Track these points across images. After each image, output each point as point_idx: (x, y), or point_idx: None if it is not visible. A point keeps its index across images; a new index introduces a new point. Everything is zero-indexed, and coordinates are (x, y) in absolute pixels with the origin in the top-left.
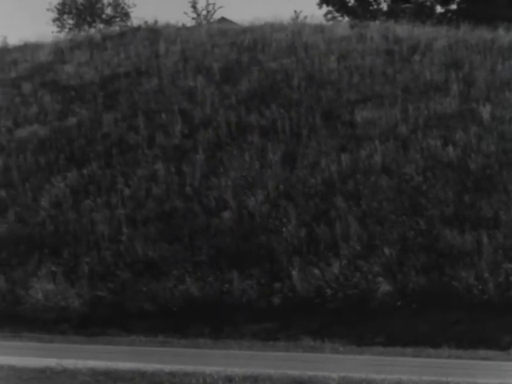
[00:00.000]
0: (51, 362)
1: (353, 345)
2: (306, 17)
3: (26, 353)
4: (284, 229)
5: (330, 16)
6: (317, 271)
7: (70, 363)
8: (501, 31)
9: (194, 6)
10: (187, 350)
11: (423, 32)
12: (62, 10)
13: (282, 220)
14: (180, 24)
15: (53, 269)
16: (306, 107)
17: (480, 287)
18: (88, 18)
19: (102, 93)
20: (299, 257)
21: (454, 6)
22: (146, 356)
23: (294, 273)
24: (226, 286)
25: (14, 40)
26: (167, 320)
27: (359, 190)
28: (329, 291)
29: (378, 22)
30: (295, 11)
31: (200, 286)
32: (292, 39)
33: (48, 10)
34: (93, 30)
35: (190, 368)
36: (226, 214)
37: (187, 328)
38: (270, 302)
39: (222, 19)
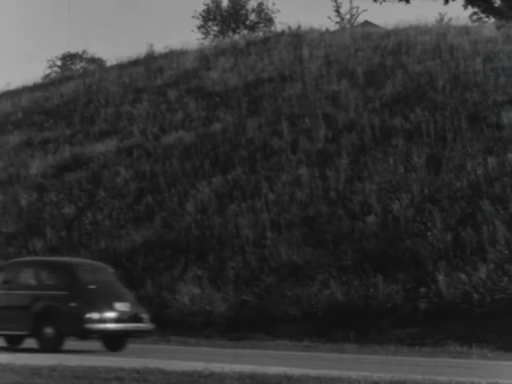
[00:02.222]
0: (198, 365)
1: (501, 350)
2: (450, 19)
3: (174, 356)
4: (429, 233)
5: (475, 17)
6: (463, 276)
7: (216, 367)
8: None
9: (337, 11)
10: (332, 355)
11: None
12: (206, 17)
13: (427, 224)
14: (323, 28)
15: (199, 273)
16: (451, 110)
17: None
18: (232, 25)
19: (246, 98)
20: (445, 261)
21: None
22: (291, 360)
23: (440, 277)
24: (371, 290)
25: (159, 47)
26: (312, 324)
27: (506, 193)
28: (476, 296)
29: None
30: (440, 13)
31: (345, 290)
32: (437, 41)
33: (193, 17)
34: (237, 36)
35: (335, 373)
36: (371, 218)
37: (332, 332)
38: (415, 307)
39: (366, 23)
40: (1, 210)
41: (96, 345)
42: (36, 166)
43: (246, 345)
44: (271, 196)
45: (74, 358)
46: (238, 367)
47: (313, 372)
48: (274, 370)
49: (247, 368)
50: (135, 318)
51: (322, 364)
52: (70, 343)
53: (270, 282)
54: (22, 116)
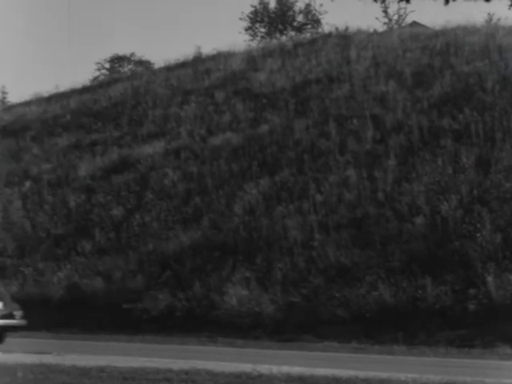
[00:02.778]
0: (246, 367)
1: None
2: (499, 19)
3: (221, 358)
4: (478, 234)
5: None
6: None
7: (264, 368)
8: None
9: (385, 11)
10: (381, 357)
11: None
12: (254, 19)
13: (476, 225)
14: (371, 29)
15: (247, 274)
16: (499, 110)
17: None
18: (280, 26)
19: (294, 100)
20: (494, 262)
21: None
22: (339, 362)
23: (490, 279)
24: (420, 292)
25: (207, 49)
26: (360, 326)
27: None
28: None
29: None
30: (488, 13)
31: (393, 292)
32: (485, 42)
33: (240, 19)
34: (284, 38)
35: (384, 375)
36: (419, 220)
37: (380, 334)
38: (464, 309)
39: (414, 23)
40: (50, 211)
41: None
42: (84, 168)
43: (293, 346)
44: (319, 197)
45: (122, 359)
46: (286, 369)
47: (361, 374)
48: (322, 371)
49: (295, 370)
50: (9, 316)
51: (371, 366)
52: None
53: (318, 283)
54: (70, 118)
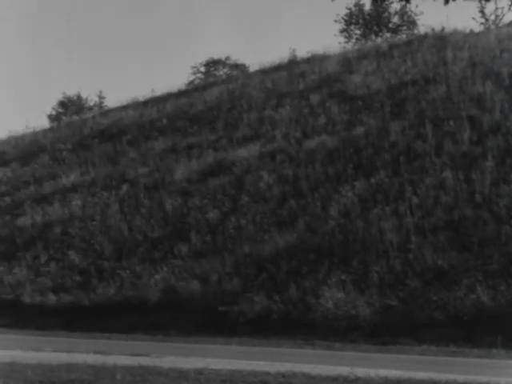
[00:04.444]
0: (343, 370)
1: None
2: None
3: (318, 360)
4: None
5: None
6: None
7: (362, 372)
8: None
9: (482, 11)
10: (479, 360)
11: None
12: (349, 21)
13: None
14: (467, 30)
15: (342, 277)
16: None
17: None
18: (375, 28)
19: (390, 101)
20: None
21: None
22: (437, 365)
23: None
24: None
25: (302, 52)
26: (458, 329)
27: None
28: None
29: None
30: None
31: (491, 294)
32: None
33: (335, 21)
34: (379, 40)
35: (483, 379)
36: None
37: (479, 337)
38: None
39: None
40: (147, 215)
41: None
42: (181, 172)
43: (391, 349)
44: (415, 199)
45: (219, 362)
46: (383, 372)
47: (460, 377)
48: (420, 375)
49: (393, 373)
50: None
51: (469, 369)
52: None
53: (415, 286)
54: (166, 122)
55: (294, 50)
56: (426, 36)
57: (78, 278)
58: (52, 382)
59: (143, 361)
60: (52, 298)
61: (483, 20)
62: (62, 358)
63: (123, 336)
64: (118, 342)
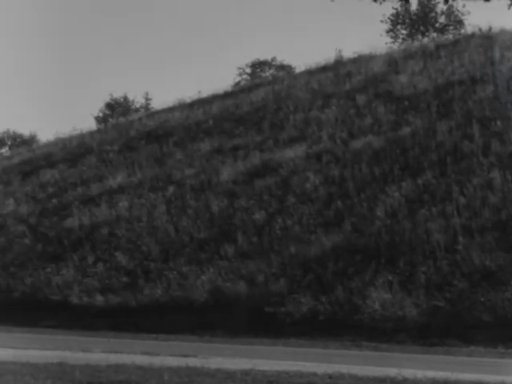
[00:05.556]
0: (391, 371)
1: None
2: None
3: (365, 362)
4: None
5: None
6: None
7: (409, 373)
8: None
9: None
10: None
11: None
12: (395, 21)
13: None
14: None
15: (389, 278)
16: None
17: None
18: (421, 28)
19: (436, 102)
20: None
21: None
22: (485, 367)
23: None
24: None
25: (348, 53)
26: (506, 330)
27: None
28: None
29: None
30: None
31: None
32: None
33: (381, 21)
34: (426, 39)
35: None
36: None
37: None
38: None
39: None
40: (193, 216)
41: None
42: (227, 173)
43: (438, 351)
44: (462, 200)
45: (266, 363)
46: (431, 373)
47: (508, 379)
48: (468, 376)
49: (440, 375)
50: None
51: None
52: None
53: (462, 287)
54: (212, 123)
55: (340, 51)
56: (473, 36)
57: (124, 278)
58: (100, 382)
59: (190, 362)
60: (99, 299)
61: None
62: (110, 358)
63: (170, 337)
64: (165, 343)
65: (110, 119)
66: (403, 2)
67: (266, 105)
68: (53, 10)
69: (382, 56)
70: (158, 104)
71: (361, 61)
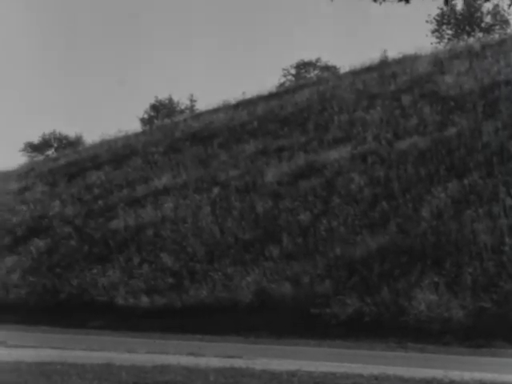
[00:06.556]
0: (437, 373)
1: None
2: None
3: (411, 363)
4: None
5: None
6: None
7: (456, 375)
8: None
9: None
10: None
11: None
12: (440, 21)
13: None
14: None
15: (435, 279)
16: None
17: None
18: (467, 28)
19: (482, 102)
20: None
21: None
22: None
23: None
24: None
25: (393, 53)
26: None
27: None
28: None
29: None
30: None
31: None
32: None
33: (427, 21)
34: (472, 39)
35: None
36: None
37: None
38: None
39: None
40: (238, 217)
41: None
42: (271, 174)
43: (485, 352)
44: (509, 201)
45: (312, 364)
46: (477, 375)
47: None
48: None
49: (487, 376)
50: None
51: None
52: None
53: (509, 288)
54: (257, 125)
55: (385, 51)
56: None
57: (170, 280)
58: (146, 383)
59: (236, 363)
60: (145, 300)
61: None
62: (156, 359)
63: (215, 337)
64: (211, 344)
65: (155, 121)
66: (444, 2)
67: (310, 105)
68: (104, 11)
69: (427, 56)
70: (202, 105)
71: (406, 61)
